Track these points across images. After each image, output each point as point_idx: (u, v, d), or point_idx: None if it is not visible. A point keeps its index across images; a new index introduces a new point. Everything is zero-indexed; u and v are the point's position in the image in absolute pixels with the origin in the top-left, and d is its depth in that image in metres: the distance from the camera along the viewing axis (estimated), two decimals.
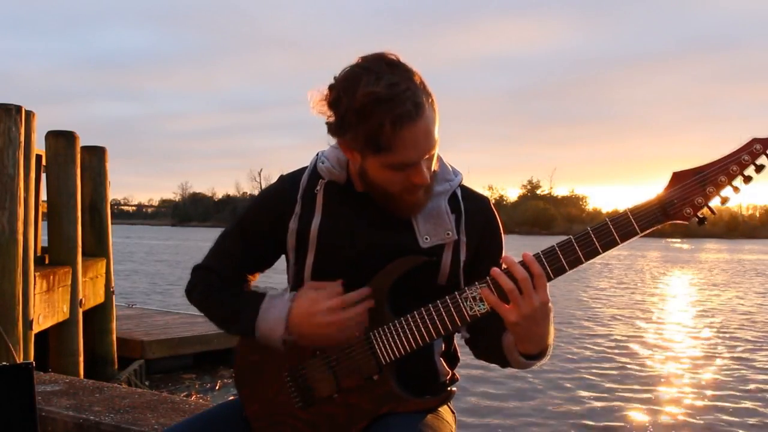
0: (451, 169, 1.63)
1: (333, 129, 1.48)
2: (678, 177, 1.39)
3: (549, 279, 1.42)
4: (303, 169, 1.65)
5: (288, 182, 1.64)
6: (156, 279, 23.79)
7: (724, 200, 1.38)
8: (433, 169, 1.52)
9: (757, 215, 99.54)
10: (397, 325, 1.50)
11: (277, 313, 1.53)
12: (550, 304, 1.43)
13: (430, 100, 1.44)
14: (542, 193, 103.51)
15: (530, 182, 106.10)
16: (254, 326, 1.55)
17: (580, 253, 1.41)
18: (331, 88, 1.46)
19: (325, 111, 1.48)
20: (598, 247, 1.41)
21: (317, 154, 1.64)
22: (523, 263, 1.41)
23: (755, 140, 1.36)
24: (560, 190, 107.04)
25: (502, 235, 1.66)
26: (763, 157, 1.35)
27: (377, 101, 1.38)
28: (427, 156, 1.47)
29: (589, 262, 1.42)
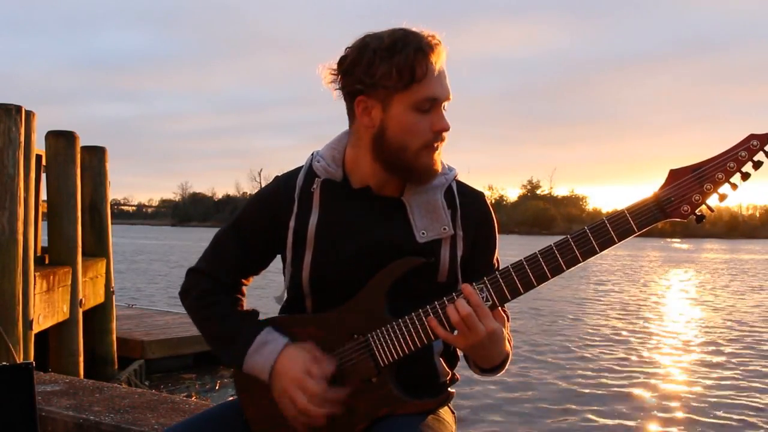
0: (446, 165, 1.63)
1: (356, 81, 1.50)
2: (675, 174, 1.39)
3: (547, 278, 1.43)
4: (298, 169, 1.65)
5: (284, 182, 1.64)
6: (156, 279, 23.77)
7: (722, 197, 1.37)
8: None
9: (757, 215, 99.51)
10: (395, 326, 1.50)
11: (262, 361, 1.55)
12: (497, 331, 1.45)
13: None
14: (542, 193, 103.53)
15: (530, 182, 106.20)
16: (241, 365, 1.58)
17: (577, 252, 1.41)
18: (343, 57, 1.52)
19: (337, 79, 1.54)
20: (596, 246, 1.40)
21: (312, 154, 1.65)
22: (469, 294, 1.43)
23: (752, 136, 1.35)
24: (560, 190, 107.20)
25: (497, 231, 1.67)
26: (761, 153, 1.34)
27: (407, 34, 1.49)
28: (447, 100, 1.52)
29: (586, 261, 1.42)
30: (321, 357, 1.53)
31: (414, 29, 1.50)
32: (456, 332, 1.45)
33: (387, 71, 1.46)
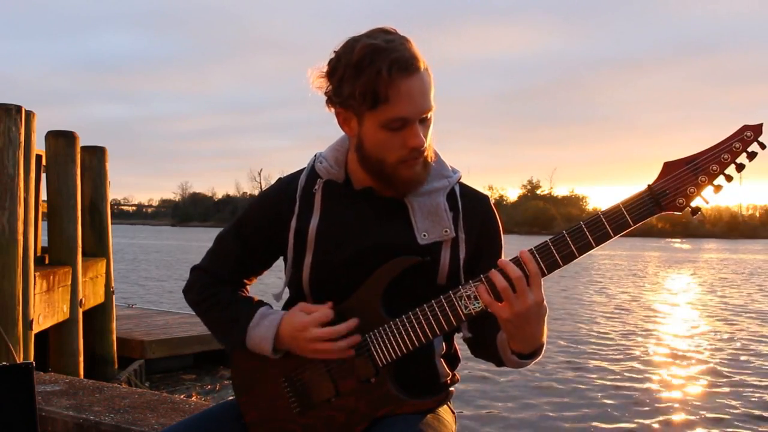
0: (450, 167, 1.62)
1: (331, 94, 1.50)
2: (669, 167, 1.38)
3: (543, 274, 1.41)
4: (301, 170, 1.65)
5: (286, 183, 1.65)
6: (156, 279, 23.76)
7: (717, 189, 1.36)
8: (429, 140, 1.52)
9: (757, 215, 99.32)
10: (393, 326, 1.49)
11: (263, 332, 1.55)
12: (545, 303, 1.42)
13: (425, 66, 1.47)
14: (542, 193, 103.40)
15: (530, 182, 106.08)
16: (243, 344, 1.58)
17: (573, 248, 1.40)
18: (330, 59, 1.50)
19: (323, 84, 1.51)
20: (591, 241, 1.40)
21: (315, 155, 1.65)
22: (517, 261, 1.40)
23: (746, 127, 1.35)
24: (560, 190, 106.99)
25: (502, 234, 1.65)
26: (755, 144, 1.34)
27: (375, 51, 1.42)
28: (423, 116, 1.47)
29: (582, 256, 1.41)
30: (313, 307, 1.54)
31: (389, 38, 1.44)
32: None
33: (351, 93, 1.44)
